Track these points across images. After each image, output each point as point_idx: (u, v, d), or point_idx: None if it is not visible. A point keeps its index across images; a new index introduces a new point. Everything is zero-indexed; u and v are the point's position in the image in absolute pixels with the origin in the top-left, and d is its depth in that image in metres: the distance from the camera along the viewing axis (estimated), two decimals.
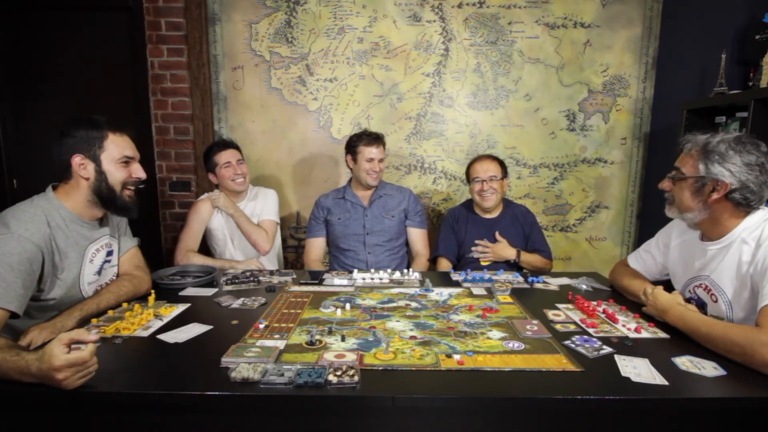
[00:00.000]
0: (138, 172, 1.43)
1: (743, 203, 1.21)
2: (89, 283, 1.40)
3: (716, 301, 1.28)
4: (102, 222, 1.47)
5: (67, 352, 0.91)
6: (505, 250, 2.08)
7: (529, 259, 2.11)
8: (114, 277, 1.53)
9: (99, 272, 1.44)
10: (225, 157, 2.16)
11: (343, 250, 2.24)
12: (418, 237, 2.28)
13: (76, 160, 1.32)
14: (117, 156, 1.37)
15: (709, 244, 1.30)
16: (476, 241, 2.13)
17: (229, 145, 2.21)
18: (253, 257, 2.18)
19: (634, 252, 1.65)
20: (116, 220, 1.58)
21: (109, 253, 1.50)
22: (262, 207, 2.29)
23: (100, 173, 1.35)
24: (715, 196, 1.22)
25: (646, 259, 1.58)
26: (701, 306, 1.35)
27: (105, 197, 1.37)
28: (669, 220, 1.51)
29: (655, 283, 1.50)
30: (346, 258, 2.23)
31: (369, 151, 2.14)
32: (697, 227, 1.33)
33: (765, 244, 1.16)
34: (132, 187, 1.42)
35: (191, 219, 2.16)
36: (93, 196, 1.36)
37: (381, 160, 2.18)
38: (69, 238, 1.33)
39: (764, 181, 1.19)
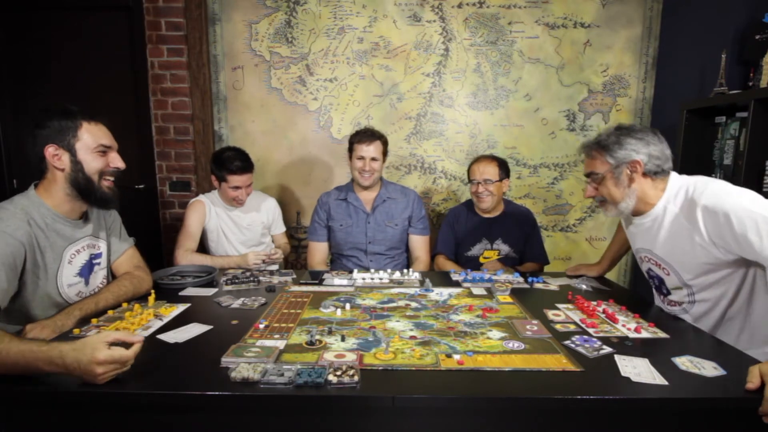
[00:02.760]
0: (116, 161, 1.38)
1: (658, 171, 1.35)
2: (69, 285, 1.36)
3: (669, 275, 1.39)
4: (85, 220, 1.43)
5: (107, 349, 0.92)
6: (497, 265, 2.03)
7: (526, 269, 2.11)
8: (105, 280, 1.51)
9: (81, 274, 1.40)
10: (238, 180, 2.08)
11: (344, 256, 2.23)
12: (419, 243, 2.23)
13: (50, 150, 1.29)
14: (93, 145, 1.33)
15: (639, 218, 1.43)
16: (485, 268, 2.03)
17: (248, 169, 2.10)
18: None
19: None
20: (108, 221, 1.54)
21: (96, 256, 1.47)
22: (267, 219, 2.33)
23: (76, 163, 1.31)
24: (635, 176, 1.35)
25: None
26: (661, 282, 1.45)
27: (83, 188, 1.33)
28: None
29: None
30: (348, 261, 2.22)
31: (360, 149, 2.06)
32: (633, 212, 1.44)
33: (700, 202, 1.24)
34: (111, 178, 1.38)
35: (188, 218, 2.15)
36: (70, 188, 1.32)
37: (374, 159, 2.07)
38: (48, 238, 1.30)
39: (662, 148, 1.35)
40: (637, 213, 1.43)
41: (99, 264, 1.48)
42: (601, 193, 1.43)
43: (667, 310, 1.49)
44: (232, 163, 2.06)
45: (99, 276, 1.48)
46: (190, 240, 2.12)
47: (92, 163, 1.33)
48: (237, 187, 2.10)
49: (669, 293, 1.46)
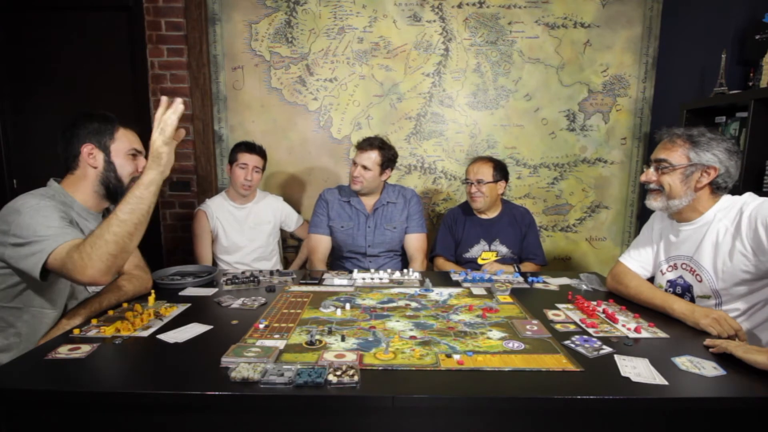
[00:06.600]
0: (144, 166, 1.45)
1: (722, 186, 1.35)
2: None
3: (701, 281, 1.37)
4: (104, 215, 1.48)
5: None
6: (496, 266, 2.04)
7: (524, 269, 2.11)
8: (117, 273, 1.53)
9: None
10: (245, 158, 2.22)
11: (344, 258, 2.23)
12: (412, 241, 2.20)
13: (86, 149, 1.36)
14: (126, 148, 1.41)
15: (684, 225, 1.42)
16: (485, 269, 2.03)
17: (255, 150, 2.26)
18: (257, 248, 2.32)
19: (624, 255, 1.62)
20: None
21: None
22: (275, 218, 2.41)
23: (109, 163, 1.39)
24: (704, 181, 1.33)
25: (642, 255, 1.58)
26: (687, 289, 1.42)
27: (112, 189, 1.40)
28: None
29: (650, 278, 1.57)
30: (346, 262, 2.23)
31: (356, 155, 2.10)
32: (676, 214, 1.42)
33: (746, 211, 1.27)
34: None
35: (198, 230, 2.26)
36: (100, 186, 1.40)
37: (365, 168, 2.05)
38: (79, 224, 1.34)
39: (737, 167, 1.34)
40: (683, 219, 1.41)
41: None
42: (661, 182, 1.38)
43: None
44: (242, 143, 2.28)
45: None
46: (206, 251, 2.27)
47: (125, 166, 1.41)
48: (244, 165, 2.22)
49: (693, 302, 1.40)
